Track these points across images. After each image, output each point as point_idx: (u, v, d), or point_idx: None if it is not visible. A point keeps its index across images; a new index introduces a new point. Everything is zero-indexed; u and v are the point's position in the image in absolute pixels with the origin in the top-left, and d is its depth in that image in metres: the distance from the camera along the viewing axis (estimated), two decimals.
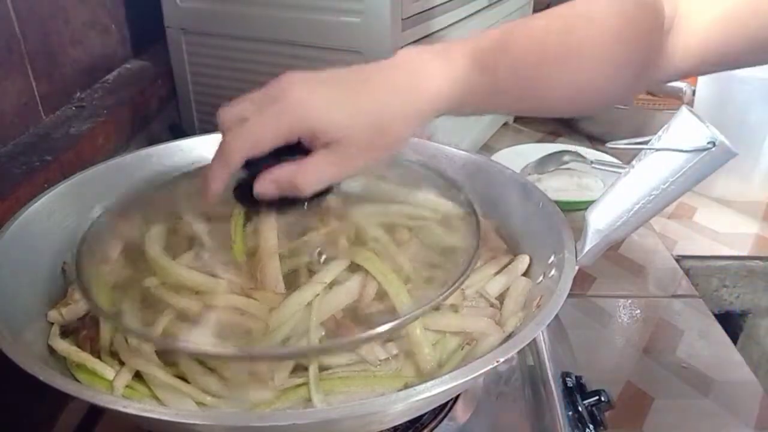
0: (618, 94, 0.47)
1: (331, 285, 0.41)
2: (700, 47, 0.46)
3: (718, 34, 0.45)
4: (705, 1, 0.46)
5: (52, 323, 0.44)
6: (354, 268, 0.42)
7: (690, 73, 0.48)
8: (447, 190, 0.50)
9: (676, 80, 0.51)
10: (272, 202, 0.41)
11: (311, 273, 0.42)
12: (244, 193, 0.42)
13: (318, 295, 0.40)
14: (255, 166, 0.40)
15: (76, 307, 0.44)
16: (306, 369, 0.39)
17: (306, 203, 0.42)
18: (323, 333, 0.39)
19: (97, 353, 0.41)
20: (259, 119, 0.38)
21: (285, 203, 0.41)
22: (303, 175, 0.39)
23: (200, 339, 0.38)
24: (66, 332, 0.44)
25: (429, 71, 0.40)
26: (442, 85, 0.40)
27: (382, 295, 0.41)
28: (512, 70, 0.42)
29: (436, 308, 0.43)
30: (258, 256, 0.41)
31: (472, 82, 0.41)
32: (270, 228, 0.43)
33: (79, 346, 0.42)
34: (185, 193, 0.50)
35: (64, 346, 0.42)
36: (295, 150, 0.40)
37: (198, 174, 0.51)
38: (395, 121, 0.40)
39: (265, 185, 0.39)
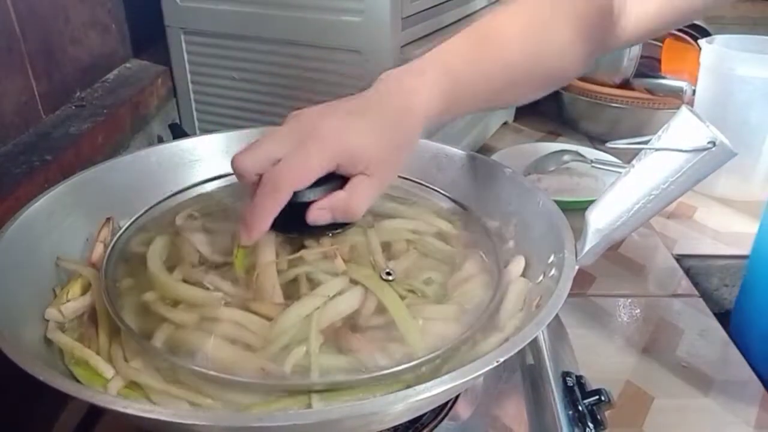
0: (575, 73, 0.57)
1: (332, 295, 0.41)
2: (649, 21, 0.55)
3: (665, 6, 0.54)
4: None
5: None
6: (354, 280, 0.42)
7: (640, 41, 0.61)
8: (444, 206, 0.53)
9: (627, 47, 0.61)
10: (300, 229, 0.43)
11: (310, 280, 0.42)
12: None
13: (318, 308, 0.40)
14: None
15: (75, 305, 0.44)
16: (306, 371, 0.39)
17: (331, 232, 0.45)
18: (322, 341, 0.39)
19: (95, 351, 0.41)
20: (303, 153, 0.40)
21: (311, 229, 0.43)
22: (355, 200, 0.42)
23: (202, 354, 0.38)
24: (62, 329, 0.44)
25: (414, 93, 0.45)
26: (430, 103, 0.45)
27: (382, 309, 0.41)
28: (484, 83, 0.50)
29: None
30: (255, 267, 0.42)
31: (451, 94, 0.46)
32: (267, 243, 0.43)
33: None
34: (188, 207, 0.52)
35: (65, 340, 0.42)
36: (327, 178, 0.42)
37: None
38: (405, 137, 0.44)
39: (320, 213, 0.41)
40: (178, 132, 0.84)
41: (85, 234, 0.50)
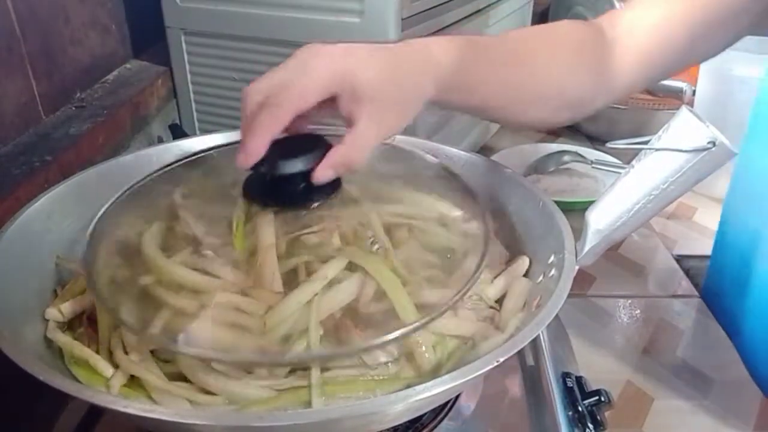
0: (579, 98, 0.54)
1: (330, 284, 0.41)
2: (642, 56, 0.53)
3: (656, 38, 0.53)
4: (636, 16, 0.54)
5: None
6: (352, 267, 0.42)
7: (643, 83, 0.57)
8: (455, 193, 0.51)
9: (635, 91, 0.59)
10: (281, 201, 0.43)
11: (309, 271, 0.42)
12: (253, 190, 0.44)
13: (317, 294, 0.40)
14: (265, 164, 0.41)
15: (74, 304, 0.44)
16: (304, 369, 0.39)
17: (314, 203, 0.44)
18: (322, 332, 0.39)
19: (94, 351, 0.41)
20: (304, 71, 0.40)
21: (292, 202, 0.43)
22: (355, 151, 0.41)
23: (199, 339, 0.38)
24: (62, 329, 0.44)
25: (430, 47, 0.45)
26: (441, 58, 0.44)
27: (380, 295, 0.41)
28: (492, 61, 0.49)
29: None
30: (255, 253, 0.42)
31: (468, 52, 0.46)
32: (267, 225, 0.43)
33: None
34: (184, 188, 0.50)
35: (65, 339, 0.42)
36: (305, 150, 0.42)
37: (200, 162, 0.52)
38: (412, 77, 0.43)
39: (324, 173, 0.41)
40: (178, 132, 0.84)
41: (84, 234, 0.50)
